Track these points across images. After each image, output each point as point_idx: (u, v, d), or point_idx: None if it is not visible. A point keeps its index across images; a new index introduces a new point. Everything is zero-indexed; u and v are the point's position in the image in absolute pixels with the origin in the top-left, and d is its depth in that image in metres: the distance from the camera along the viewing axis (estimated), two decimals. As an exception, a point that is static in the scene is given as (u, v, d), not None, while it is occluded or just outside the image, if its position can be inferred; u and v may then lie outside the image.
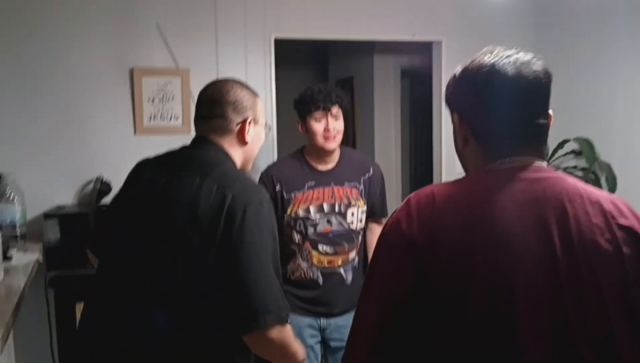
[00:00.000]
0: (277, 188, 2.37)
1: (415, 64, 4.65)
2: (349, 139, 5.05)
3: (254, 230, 1.34)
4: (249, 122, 1.54)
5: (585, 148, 3.21)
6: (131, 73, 3.02)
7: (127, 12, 3.00)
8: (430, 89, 3.72)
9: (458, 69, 1.11)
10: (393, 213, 1.06)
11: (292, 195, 2.36)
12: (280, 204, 2.35)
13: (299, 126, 2.43)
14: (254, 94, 1.61)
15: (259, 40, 3.21)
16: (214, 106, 1.53)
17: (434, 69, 3.66)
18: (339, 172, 2.43)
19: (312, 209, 2.36)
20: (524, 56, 1.06)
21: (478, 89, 1.06)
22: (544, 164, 1.06)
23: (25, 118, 2.89)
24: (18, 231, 2.66)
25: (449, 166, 3.63)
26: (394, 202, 4.70)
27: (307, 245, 2.37)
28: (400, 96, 4.92)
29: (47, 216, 2.70)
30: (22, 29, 2.87)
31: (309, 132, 2.37)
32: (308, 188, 2.37)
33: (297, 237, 2.37)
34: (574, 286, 0.94)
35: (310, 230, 2.36)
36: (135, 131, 3.05)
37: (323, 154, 2.40)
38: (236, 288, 1.31)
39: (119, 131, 3.03)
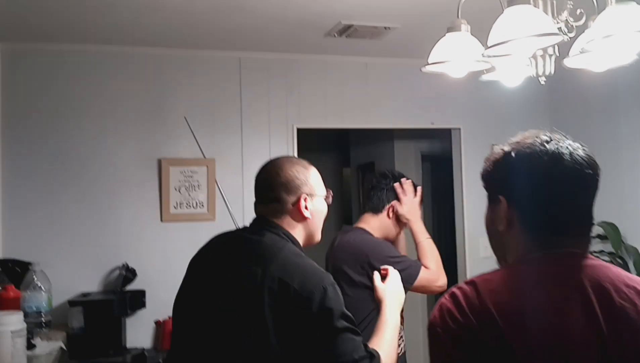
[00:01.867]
0: None
1: (435, 148, 4.73)
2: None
3: (325, 319, 1.32)
4: (304, 199, 1.52)
5: (610, 232, 3.18)
6: (159, 163, 3.13)
7: (156, 107, 3.16)
8: (451, 171, 3.77)
9: (506, 150, 1.07)
10: (437, 307, 1.02)
11: None
12: None
13: (389, 211, 2.29)
14: (306, 166, 1.58)
15: (282, 131, 3.33)
16: (268, 191, 1.53)
17: (454, 153, 3.73)
18: None
19: None
20: (572, 144, 1.05)
21: (538, 177, 1.03)
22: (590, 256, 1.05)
23: (55, 209, 2.99)
24: (43, 319, 2.68)
25: (472, 248, 3.60)
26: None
27: None
28: (422, 179, 4.96)
29: (71, 303, 2.72)
30: (59, 127, 3.02)
31: (393, 217, 2.28)
32: None
33: None
34: None
35: None
36: (161, 219, 3.12)
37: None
38: None
39: (145, 219, 3.11)
